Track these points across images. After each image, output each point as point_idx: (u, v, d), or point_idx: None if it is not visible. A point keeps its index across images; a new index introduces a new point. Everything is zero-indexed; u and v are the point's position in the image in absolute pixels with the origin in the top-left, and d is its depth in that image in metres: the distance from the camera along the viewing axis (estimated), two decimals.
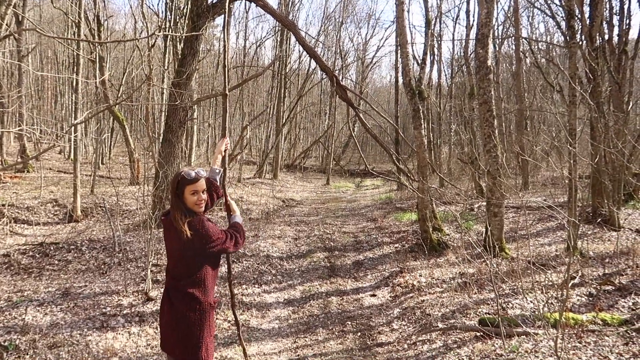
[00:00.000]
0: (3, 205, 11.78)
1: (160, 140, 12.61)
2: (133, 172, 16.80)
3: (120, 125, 17.38)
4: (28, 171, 18.47)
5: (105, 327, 5.69)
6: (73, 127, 9.17)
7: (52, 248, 8.98)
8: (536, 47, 20.78)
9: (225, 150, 3.35)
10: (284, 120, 24.25)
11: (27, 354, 5.01)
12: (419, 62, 17.30)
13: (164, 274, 2.96)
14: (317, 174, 28.99)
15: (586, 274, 6.51)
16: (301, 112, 33.34)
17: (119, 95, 19.04)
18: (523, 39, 17.87)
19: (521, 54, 17.97)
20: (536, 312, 4.85)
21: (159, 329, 2.81)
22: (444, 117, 24.07)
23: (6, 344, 5.19)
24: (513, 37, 18.74)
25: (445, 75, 26.14)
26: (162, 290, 2.98)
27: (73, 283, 7.21)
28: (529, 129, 20.24)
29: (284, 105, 24.12)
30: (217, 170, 3.22)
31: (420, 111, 9.20)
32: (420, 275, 7.42)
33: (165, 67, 17.06)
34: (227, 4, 3.77)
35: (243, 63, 24.92)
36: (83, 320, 5.86)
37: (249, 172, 23.88)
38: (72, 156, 20.81)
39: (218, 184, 3.15)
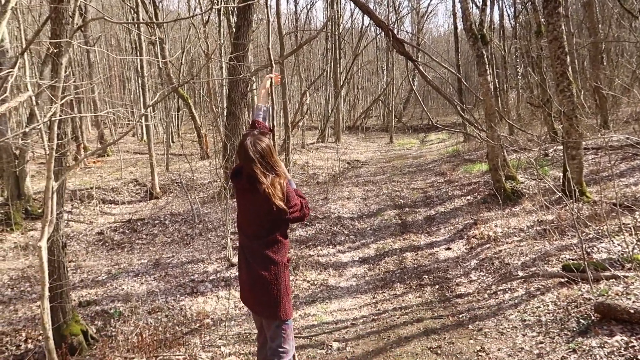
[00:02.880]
0: (91, 188, 12.74)
1: (225, 114, 12.97)
2: (202, 147, 17.47)
3: (186, 103, 18.02)
4: (108, 155, 19.73)
5: (195, 293, 6.11)
6: (148, 109, 9.64)
7: (139, 224, 9.66)
8: None
9: (271, 85, 3.14)
10: (341, 82, 23.97)
11: (131, 320, 5.51)
12: (479, 4, 16.33)
13: (240, 239, 2.89)
14: (379, 133, 28.64)
15: None
16: (358, 72, 32.75)
17: (181, 74, 19.67)
18: None
19: None
20: (625, 255, 4.62)
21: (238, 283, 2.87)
22: (509, 60, 22.73)
23: (112, 311, 5.74)
24: None
25: (508, 15, 24.50)
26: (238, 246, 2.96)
27: (162, 254, 7.76)
28: (605, 63, 18.66)
29: (340, 67, 23.79)
30: (264, 109, 3.08)
31: (485, 56, 8.77)
32: (496, 226, 7.25)
33: (222, 42, 17.32)
34: None
35: (296, 28, 24.72)
36: (175, 287, 6.33)
37: (311, 137, 24.04)
38: (145, 137, 21.94)
39: (266, 123, 3.06)
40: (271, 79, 3.15)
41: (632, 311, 3.18)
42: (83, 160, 16.71)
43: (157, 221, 9.71)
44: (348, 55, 28.08)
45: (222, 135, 11.31)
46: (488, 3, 15.46)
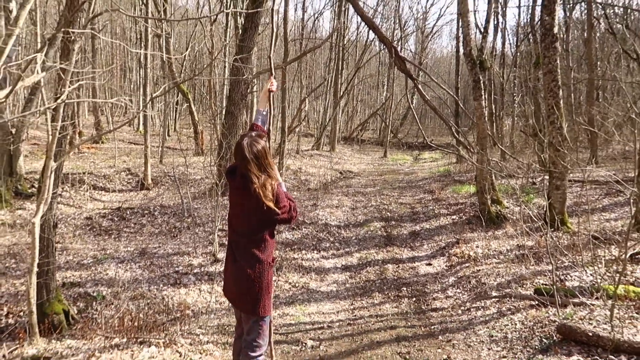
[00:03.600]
0: (83, 173, 12.80)
1: (223, 113, 13.12)
2: (198, 143, 17.58)
3: (185, 99, 18.15)
4: (102, 142, 19.77)
5: (178, 284, 6.23)
6: (149, 101, 9.77)
7: (128, 212, 9.75)
8: (611, 11, 19.35)
9: (270, 91, 3.32)
10: (341, 93, 24.24)
11: (112, 304, 5.61)
12: (482, 30, 16.68)
13: (229, 235, 3.03)
14: (374, 146, 28.91)
15: None
16: (359, 84, 33.10)
17: (183, 69, 19.79)
18: (597, 4, 16.73)
19: (594, 19, 16.87)
20: (595, 285, 4.82)
21: (223, 275, 3.03)
22: (507, 87, 23.15)
23: (95, 294, 5.84)
24: (585, 2, 17.55)
25: (510, 43, 25.01)
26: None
27: (148, 244, 7.86)
28: (600, 100, 19.08)
29: (341, 78, 24.06)
30: (264, 113, 3.27)
31: (481, 82, 9.02)
32: (477, 247, 7.45)
33: (227, 42, 17.52)
34: None
35: (301, 35, 24.99)
36: (159, 277, 6.44)
37: (306, 144, 24.22)
38: (140, 128, 22.01)
39: (264, 127, 3.21)
40: (271, 83, 3.31)
41: (590, 334, 3.37)
42: (79, 145, 16.75)
43: (147, 211, 9.80)
44: (350, 66, 28.39)
45: (218, 133, 11.45)
46: (490, 30, 15.82)
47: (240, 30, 12.98)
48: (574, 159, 9.55)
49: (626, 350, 3.19)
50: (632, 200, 4.06)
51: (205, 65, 14.99)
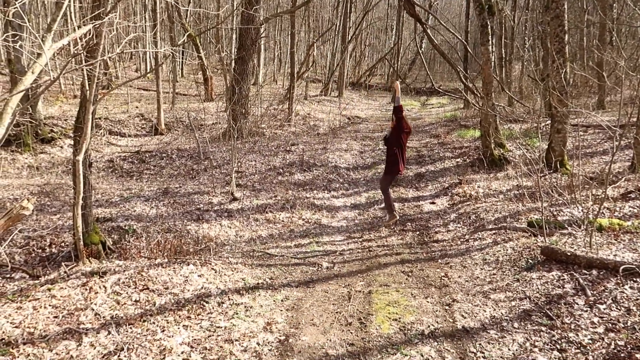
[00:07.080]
0: (99, 118, 13.19)
1: (234, 58, 13.29)
2: (207, 89, 17.79)
3: (194, 45, 18.18)
4: (113, 88, 19.99)
5: (201, 220, 6.77)
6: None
7: (147, 156, 10.23)
8: None
9: (398, 87, 6.85)
10: (349, 37, 24.00)
11: (143, 236, 6.18)
12: None
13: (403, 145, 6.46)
14: (382, 92, 28.88)
15: None
16: (367, 29, 32.52)
17: (188, 14, 19.63)
18: None
19: None
20: (582, 218, 5.27)
21: (399, 162, 6.20)
22: (518, 31, 22.77)
23: (126, 228, 6.40)
24: None
25: None
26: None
27: (169, 184, 8.38)
28: (614, 44, 18.81)
29: (349, 21, 23.74)
30: (398, 98, 6.59)
31: (489, 27, 9.14)
32: (479, 187, 7.90)
33: None
34: None
35: None
36: (182, 213, 6.99)
37: (314, 89, 24.32)
38: (149, 74, 22.09)
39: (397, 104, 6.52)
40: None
41: (569, 254, 3.86)
42: (114, 89, 16.98)
43: (164, 155, 10.28)
44: (359, 9, 27.85)
45: (228, 78, 11.70)
46: None
47: None
48: (575, 104, 9.79)
49: (597, 266, 3.68)
50: (615, 143, 4.42)
51: (210, 9, 14.95)
